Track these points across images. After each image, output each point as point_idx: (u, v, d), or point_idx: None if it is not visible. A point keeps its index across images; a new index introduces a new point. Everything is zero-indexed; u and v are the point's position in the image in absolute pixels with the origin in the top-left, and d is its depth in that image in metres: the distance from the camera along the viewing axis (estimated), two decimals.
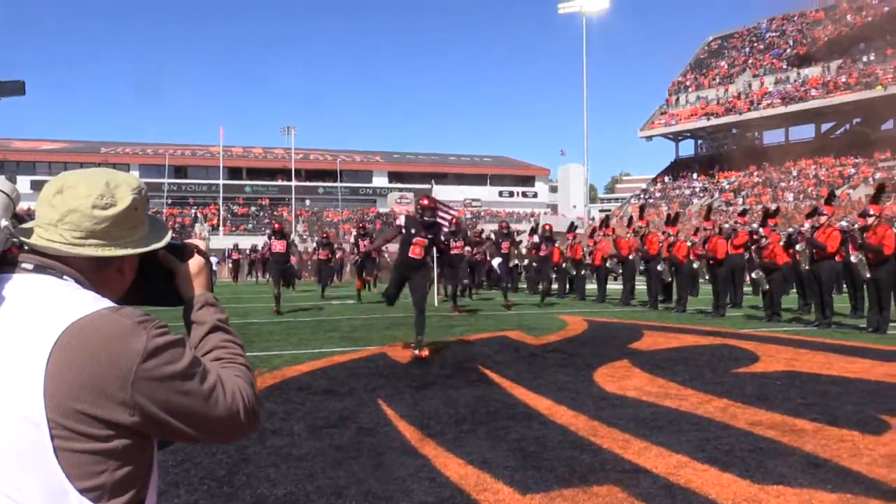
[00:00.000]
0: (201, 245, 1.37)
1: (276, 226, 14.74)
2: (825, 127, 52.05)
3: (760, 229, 12.53)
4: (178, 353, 1.08)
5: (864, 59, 46.92)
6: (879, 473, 3.61)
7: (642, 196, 57.78)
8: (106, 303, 1.08)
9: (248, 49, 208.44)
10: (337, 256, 23.97)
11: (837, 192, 36.91)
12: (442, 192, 62.18)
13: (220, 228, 50.97)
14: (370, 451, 4.11)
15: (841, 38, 51.10)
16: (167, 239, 1.24)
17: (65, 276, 1.11)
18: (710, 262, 13.33)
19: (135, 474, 1.06)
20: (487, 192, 64.42)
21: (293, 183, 55.77)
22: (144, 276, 1.28)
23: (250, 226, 53.56)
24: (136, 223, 1.19)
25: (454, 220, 14.32)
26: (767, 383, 6.13)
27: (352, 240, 13.98)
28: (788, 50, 54.52)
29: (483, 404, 5.36)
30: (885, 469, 3.67)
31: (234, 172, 59.68)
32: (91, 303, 1.06)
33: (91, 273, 1.15)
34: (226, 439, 1.17)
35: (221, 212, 53.39)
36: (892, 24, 47.42)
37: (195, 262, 1.33)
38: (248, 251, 34.55)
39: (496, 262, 16.68)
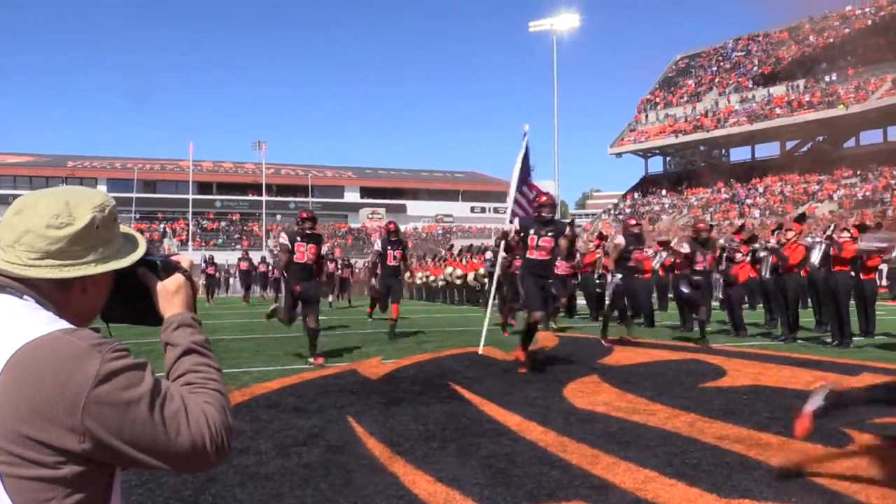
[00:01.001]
0: (185, 263, 1.31)
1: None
2: (790, 144, 53.10)
3: (734, 244, 12.95)
4: (136, 378, 1.03)
5: (827, 78, 48.01)
6: (842, 486, 3.66)
7: (612, 212, 58.35)
8: (62, 324, 1.06)
9: (218, 63, 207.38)
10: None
11: (802, 208, 37.66)
12: (414, 208, 62.51)
13: (190, 243, 50.40)
14: (338, 470, 4.08)
15: (804, 58, 52.35)
16: (133, 257, 1.20)
17: (25, 297, 1.09)
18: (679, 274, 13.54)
19: (87, 502, 1.02)
20: (459, 208, 64.62)
21: (264, 198, 55.42)
22: (128, 295, 1.25)
23: (220, 241, 53.11)
24: (97, 242, 1.15)
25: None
26: (734, 398, 6.21)
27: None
28: (754, 69, 55.63)
29: (453, 421, 5.35)
30: (847, 482, 3.73)
31: (203, 187, 59.20)
32: (45, 324, 1.04)
33: (54, 294, 1.12)
34: (191, 469, 1.10)
35: (191, 227, 52.84)
36: (853, 45, 48.71)
37: (174, 280, 1.27)
38: (227, 265, 33.16)
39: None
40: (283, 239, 8.94)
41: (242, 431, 4.99)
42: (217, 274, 31.15)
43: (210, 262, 27.81)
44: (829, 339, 10.46)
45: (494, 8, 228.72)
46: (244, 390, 6.63)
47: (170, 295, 1.26)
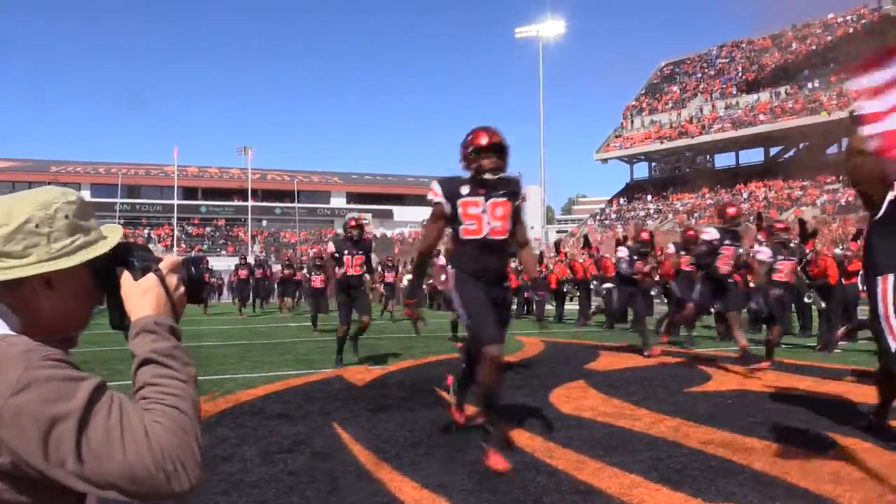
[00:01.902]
0: (167, 261, 1.20)
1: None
2: (774, 151, 53.55)
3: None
4: (66, 392, 0.94)
5: (810, 85, 48.47)
6: (826, 490, 3.69)
7: (598, 217, 58.61)
8: (2, 330, 1.01)
9: (204, 67, 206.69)
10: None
11: (785, 214, 37.96)
12: (401, 213, 62.45)
13: (175, 249, 50.12)
14: (324, 477, 4.06)
15: (787, 65, 52.84)
16: (83, 255, 1.11)
17: None
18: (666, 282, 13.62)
19: None
20: None
21: (249, 203, 55.22)
22: (116, 297, 1.17)
23: (205, 246, 52.83)
24: (39, 240, 1.08)
25: None
26: (719, 402, 6.24)
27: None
28: (738, 76, 56.09)
29: (440, 427, 5.34)
30: (830, 486, 3.75)
31: (189, 192, 58.87)
32: None
33: (6, 297, 1.06)
34: (141, 498, 0.96)
35: (176, 232, 52.56)
36: (835, 52, 49.23)
37: (144, 280, 1.15)
38: (226, 272, 29.72)
39: None
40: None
41: (227, 438, 4.96)
42: (213, 279, 28.60)
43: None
44: (811, 343, 10.53)
45: (481, 14, 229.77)
46: (229, 397, 6.60)
47: (138, 296, 1.14)
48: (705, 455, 4.44)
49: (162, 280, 1.17)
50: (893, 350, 4.19)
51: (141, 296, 1.15)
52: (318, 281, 15.39)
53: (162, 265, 1.19)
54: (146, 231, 54.26)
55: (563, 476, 4.02)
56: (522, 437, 4.97)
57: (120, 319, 1.17)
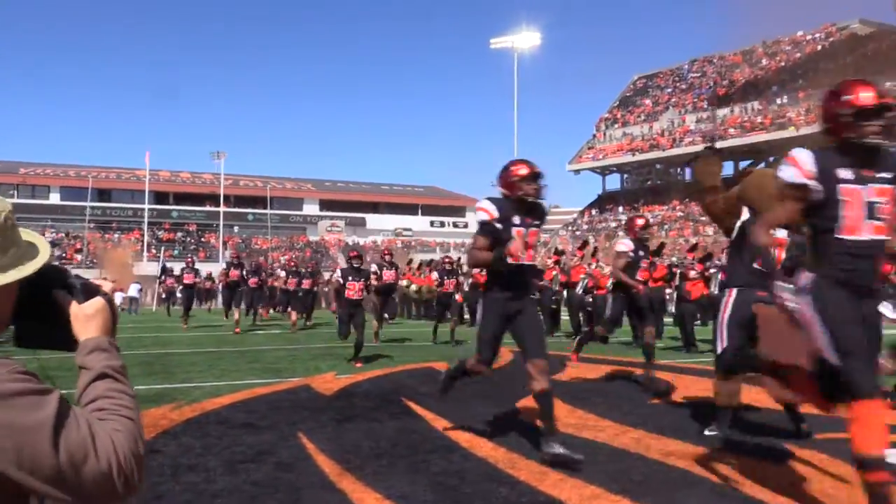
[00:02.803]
0: (106, 287, 1.29)
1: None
2: (743, 164, 54.40)
3: (688, 261, 13.24)
4: (38, 402, 0.99)
5: (779, 101, 49.37)
6: (781, 502, 3.77)
7: (570, 227, 59.04)
8: None
9: (176, 71, 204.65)
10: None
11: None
12: (373, 221, 62.39)
13: (145, 254, 49.51)
14: (287, 487, 4.06)
15: (757, 80, 53.80)
16: (14, 274, 1.13)
17: None
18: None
19: None
20: (419, 222, 64.64)
21: (221, 209, 54.74)
22: (42, 318, 1.23)
23: (176, 251, 52.23)
24: None
25: None
26: (681, 413, 6.33)
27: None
28: (709, 90, 56.97)
29: (405, 437, 5.36)
30: (786, 497, 3.84)
31: (160, 197, 58.22)
32: None
33: None
34: (96, 500, 1.03)
35: (146, 237, 51.93)
36: (804, 69, 50.27)
37: (92, 304, 1.23)
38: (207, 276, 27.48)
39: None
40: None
41: (191, 447, 4.93)
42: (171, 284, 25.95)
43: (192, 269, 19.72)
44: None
45: (456, 23, 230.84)
46: (194, 406, 6.55)
47: (86, 318, 1.22)
48: (666, 466, 4.52)
49: (111, 303, 1.27)
50: (719, 352, 5.22)
51: (90, 318, 1.22)
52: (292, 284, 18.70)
53: (105, 289, 1.27)
54: (116, 235, 53.55)
55: (524, 487, 4.07)
56: (486, 448, 5.00)
57: (48, 338, 1.25)
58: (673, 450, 4.94)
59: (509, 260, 4.72)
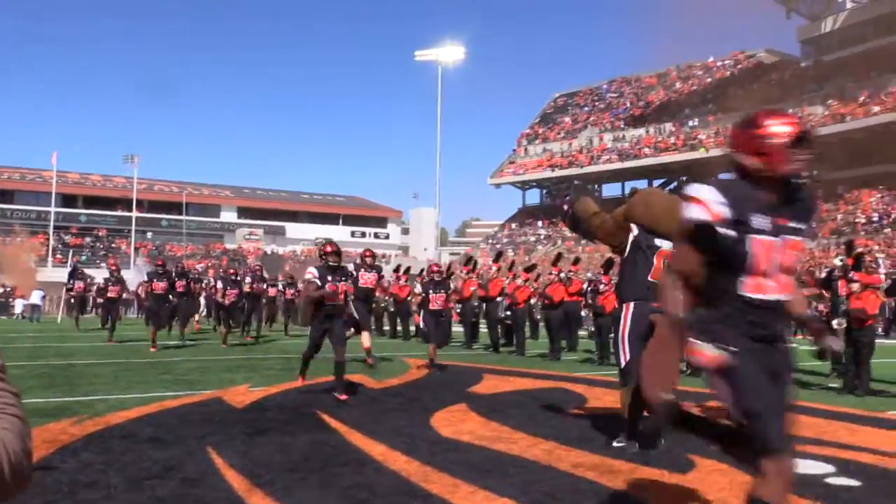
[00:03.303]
0: None
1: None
2: (657, 183, 56.35)
3: (599, 276, 13.59)
4: None
5: (690, 123, 51.44)
6: None
7: (490, 241, 59.74)
8: None
9: (89, 68, 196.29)
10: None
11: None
12: (293, 230, 61.48)
13: (50, 259, 47.29)
14: None
15: (671, 102, 56.02)
16: None
17: None
18: (547, 304, 14.11)
19: None
20: (340, 232, 63.99)
21: (134, 214, 52.86)
22: None
23: (84, 257, 50.08)
24: None
25: None
26: (591, 424, 6.48)
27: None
28: (626, 111, 58.87)
29: (318, 451, 5.30)
30: None
31: (68, 200, 55.73)
32: None
33: None
34: None
35: (52, 241, 49.60)
36: (714, 93, 52.67)
37: None
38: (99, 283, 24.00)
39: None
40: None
41: (91, 464, 4.73)
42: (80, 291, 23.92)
43: (84, 278, 20.34)
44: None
45: (382, 33, 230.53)
46: (97, 419, 6.29)
47: None
48: (575, 477, 4.61)
49: None
50: (622, 366, 5.39)
51: None
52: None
53: None
54: (19, 239, 50.92)
55: (436, 500, 4.08)
56: (399, 461, 4.99)
57: None
58: (582, 461, 5.05)
59: (747, 292, 2.72)
